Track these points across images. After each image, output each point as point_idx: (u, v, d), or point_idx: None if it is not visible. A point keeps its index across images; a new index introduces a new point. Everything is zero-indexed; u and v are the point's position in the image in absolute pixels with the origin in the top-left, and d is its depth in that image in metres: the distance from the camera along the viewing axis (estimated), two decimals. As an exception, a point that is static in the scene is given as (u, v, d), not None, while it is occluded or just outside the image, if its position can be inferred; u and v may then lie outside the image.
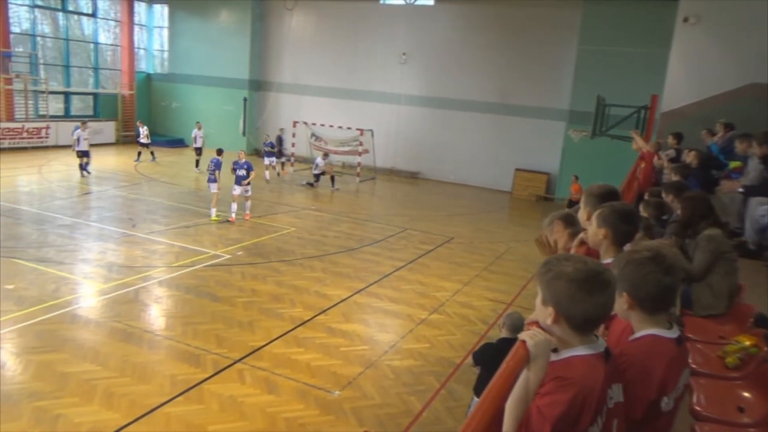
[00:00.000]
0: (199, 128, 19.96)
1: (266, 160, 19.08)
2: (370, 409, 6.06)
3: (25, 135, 21.29)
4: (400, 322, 8.53)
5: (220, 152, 14.13)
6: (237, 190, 13.14)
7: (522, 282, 10.65)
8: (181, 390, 6.07)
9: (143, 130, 20.80)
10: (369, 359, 7.20)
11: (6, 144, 20.61)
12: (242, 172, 13.07)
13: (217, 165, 13.33)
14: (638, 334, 2.14)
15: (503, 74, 20.83)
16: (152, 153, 20.98)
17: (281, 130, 21.51)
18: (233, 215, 13.13)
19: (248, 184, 13.21)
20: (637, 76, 17.41)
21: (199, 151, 19.82)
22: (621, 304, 2.12)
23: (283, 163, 21.37)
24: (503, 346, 4.54)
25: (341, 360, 7.09)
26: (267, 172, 18.84)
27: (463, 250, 12.79)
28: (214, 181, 13.21)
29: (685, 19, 12.26)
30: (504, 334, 5.05)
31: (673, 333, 2.13)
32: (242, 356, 6.93)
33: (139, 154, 20.69)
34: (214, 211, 13.22)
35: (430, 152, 22.40)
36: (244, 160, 13.21)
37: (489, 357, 4.72)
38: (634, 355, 2.05)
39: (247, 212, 13.53)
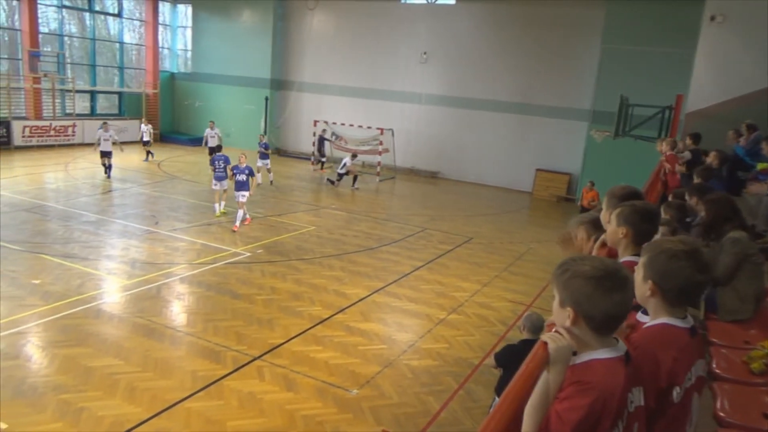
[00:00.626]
0: (212, 128, 19.80)
1: (260, 162, 17.47)
2: (387, 409, 6.07)
3: (52, 133, 21.74)
4: (418, 321, 8.52)
5: (219, 149, 14.05)
6: (236, 196, 12.50)
7: (542, 283, 10.57)
8: (201, 386, 6.15)
9: (146, 129, 20.69)
10: (387, 358, 7.21)
11: (34, 142, 21.08)
12: (242, 177, 12.40)
13: (227, 161, 13.18)
14: (651, 323, 2.12)
15: (525, 74, 20.68)
16: (148, 153, 20.70)
17: (324, 131, 21.57)
18: (238, 223, 12.43)
19: (247, 190, 12.44)
20: (662, 75, 17.15)
21: (213, 150, 19.28)
22: (644, 290, 2.10)
23: (322, 164, 21.39)
24: (524, 347, 4.52)
25: (359, 359, 7.12)
26: (259, 175, 17.16)
27: (482, 250, 12.73)
28: (225, 178, 13.07)
29: (712, 18, 12.06)
30: (525, 335, 5.03)
31: (686, 323, 2.11)
32: (261, 353, 7.00)
33: (148, 153, 20.70)
34: (222, 205, 13.29)
35: (450, 152, 22.34)
36: (245, 165, 12.52)
37: (510, 358, 4.71)
38: (645, 342, 2.03)
39: (236, 223, 12.35)
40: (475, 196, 19.94)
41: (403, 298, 9.36)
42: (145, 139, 20.69)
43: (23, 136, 20.76)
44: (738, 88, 11.61)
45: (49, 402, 5.64)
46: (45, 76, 21.40)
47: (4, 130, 20.26)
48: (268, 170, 18.02)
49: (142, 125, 21.11)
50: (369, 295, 9.33)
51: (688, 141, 9.53)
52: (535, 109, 20.73)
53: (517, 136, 21.20)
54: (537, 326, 4.92)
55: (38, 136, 21.28)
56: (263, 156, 17.64)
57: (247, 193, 12.46)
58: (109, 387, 5.99)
